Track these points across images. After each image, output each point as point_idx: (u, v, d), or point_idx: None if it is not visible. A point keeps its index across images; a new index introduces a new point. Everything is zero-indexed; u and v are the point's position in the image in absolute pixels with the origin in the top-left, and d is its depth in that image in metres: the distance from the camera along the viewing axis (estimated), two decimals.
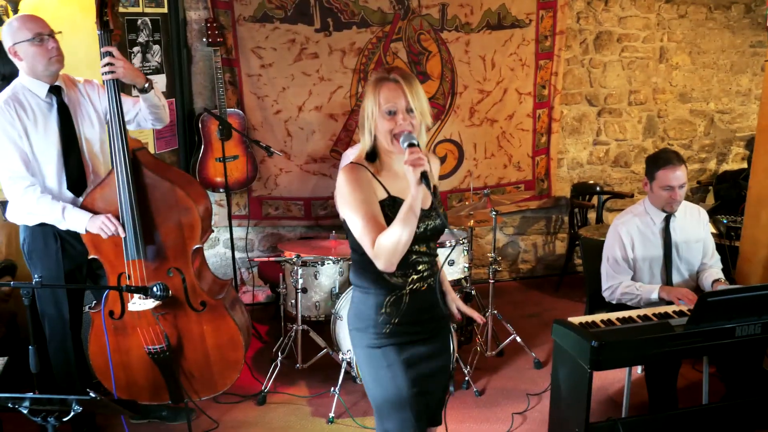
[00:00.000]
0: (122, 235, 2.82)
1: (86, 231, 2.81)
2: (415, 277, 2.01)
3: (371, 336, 2.02)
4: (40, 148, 2.79)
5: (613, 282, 3.11)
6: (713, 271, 3.14)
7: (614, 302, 3.15)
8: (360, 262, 2.01)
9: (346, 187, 1.91)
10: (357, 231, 1.90)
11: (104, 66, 2.77)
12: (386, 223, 1.89)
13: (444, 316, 2.14)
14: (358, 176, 1.92)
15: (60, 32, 2.81)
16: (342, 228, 2.11)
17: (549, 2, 4.76)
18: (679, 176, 2.97)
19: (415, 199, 1.80)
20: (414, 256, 1.99)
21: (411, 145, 1.83)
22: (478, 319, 2.26)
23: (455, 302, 2.25)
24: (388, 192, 1.95)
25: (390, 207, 1.93)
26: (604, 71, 5.12)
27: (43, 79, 2.79)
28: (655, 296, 2.98)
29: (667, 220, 3.08)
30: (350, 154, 3.84)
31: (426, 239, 2.00)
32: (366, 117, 1.93)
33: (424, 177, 1.79)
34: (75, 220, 2.80)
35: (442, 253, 3.45)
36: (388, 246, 1.83)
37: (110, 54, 2.77)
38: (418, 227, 1.89)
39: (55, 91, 2.83)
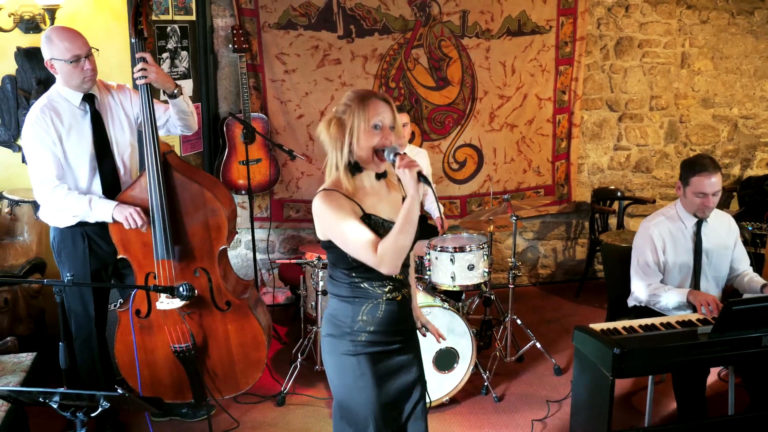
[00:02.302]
0: (144, 231, 2.88)
1: (113, 219, 2.87)
2: (391, 286, 2.05)
3: (346, 343, 2.04)
4: (73, 153, 2.88)
5: (641, 283, 3.07)
6: (753, 276, 3.07)
7: (642, 304, 3.10)
8: (339, 276, 2.05)
9: (328, 210, 1.95)
10: (352, 247, 1.94)
11: (138, 71, 2.86)
12: None
13: (416, 328, 2.21)
14: (335, 198, 1.96)
15: (97, 50, 2.90)
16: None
17: (569, 9, 4.77)
18: (713, 183, 2.92)
19: (415, 199, 1.87)
20: None
21: (396, 154, 1.90)
22: (438, 339, 2.32)
23: (419, 318, 2.31)
24: (363, 210, 1.99)
25: (367, 225, 1.96)
26: (624, 77, 5.09)
27: (79, 89, 2.89)
28: (684, 300, 2.93)
29: (698, 225, 3.04)
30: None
31: None
32: (348, 132, 1.94)
33: (421, 176, 1.85)
34: (102, 210, 2.87)
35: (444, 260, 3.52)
36: (393, 248, 1.89)
37: (144, 60, 2.86)
38: None
39: (88, 98, 2.92)
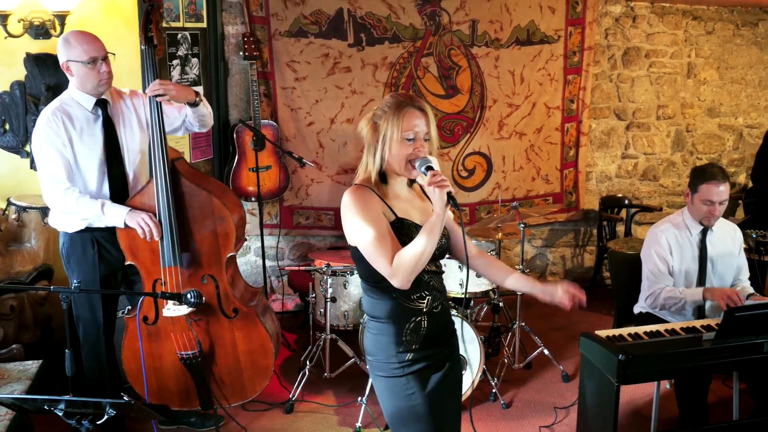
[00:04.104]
0: (156, 238, 2.77)
1: (125, 224, 2.77)
2: (430, 297, 1.94)
3: (394, 365, 1.93)
4: (83, 156, 2.78)
5: (655, 288, 3.00)
6: (746, 286, 3.07)
7: (656, 310, 3.04)
8: (373, 291, 1.93)
9: (354, 207, 1.84)
10: (370, 250, 1.82)
11: (154, 91, 2.75)
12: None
13: (455, 332, 2.09)
14: (366, 197, 1.86)
15: (114, 54, 2.81)
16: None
17: (577, 19, 4.68)
18: (720, 192, 2.90)
19: (440, 217, 1.78)
20: (426, 276, 1.92)
21: (429, 168, 1.81)
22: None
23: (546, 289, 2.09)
24: (395, 213, 1.89)
25: (399, 229, 1.87)
26: (632, 86, 5.00)
27: (92, 93, 2.79)
28: (699, 298, 2.90)
29: (704, 233, 3.01)
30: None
31: (434, 258, 1.92)
32: (381, 140, 1.86)
33: (451, 198, 1.77)
34: (114, 215, 2.77)
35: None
36: (409, 262, 1.78)
37: (157, 85, 2.75)
38: None
39: (101, 103, 2.82)
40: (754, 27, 5.10)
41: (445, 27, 4.48)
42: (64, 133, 2.72)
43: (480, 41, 4.54)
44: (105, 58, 2.74)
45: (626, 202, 4.91)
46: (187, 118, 2.96)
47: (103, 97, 2.82)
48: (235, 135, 4.23)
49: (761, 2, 4.91)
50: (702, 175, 2.95)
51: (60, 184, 2.74)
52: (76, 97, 2.78)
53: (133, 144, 2.91)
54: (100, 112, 2.81)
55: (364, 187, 1.88)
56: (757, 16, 5.08)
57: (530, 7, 4.54)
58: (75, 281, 2.36)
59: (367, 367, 2.06)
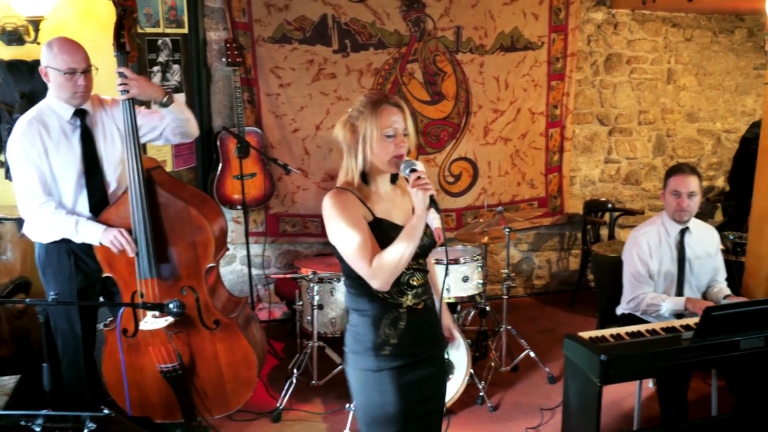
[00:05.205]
0: (131, 254, 2.64)
1: (100, 243, 2.64)
2: (411, 294, 1.90)
3: (369, 359, 1.89)
4: (60, 168, 2.64)
5: (638, 292, 2.97)
6: (723, 287, 3.07)
7: (638, 314, 3.00)
8: (354, 286, 1.91)
9: (334, 211, 1.82)
10: (350, 253, 1.81)
11: (119, 86, 2.61)
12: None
13: (442, 336, 2.06)
14: (345, 199, 1.83)
15: (97, 69, 2.66)
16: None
17: (560, 26, 4.60)
18: (686, 183, 2.91)
19: (420, 219, 1.77)
20: (407, 273, 1.90)
21: (413, 170, 1.78)
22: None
23: (448, 327, 2.17)
24: (373, 214, 1.87)
25: (377, 229, 1.84)
26: (614, 92, 4.95)
27: (69, 103, 2.65)
28: (681, 307, 2.88)
29: (682, 234, 2.99)
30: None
31: (416, 256, 1.88)
32: (361, 140, 1.83)
33: (433, 201, 1.76)
34: (88, 233, 2.63)
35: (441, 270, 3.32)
36: (389, 264, 1.77)
37: (123, 75, 2.60)
38: None
39: (80, 113, 2.68)
40: (731, 34, 5.10)
41: (430, 33, 4.38)
42: (39, 144, 2.58)
43: (465, 47, 4.44)
44: (85, 72, 2.60)
45: (609, 205, 4.85)
46: (167, 127, 2.79)
47: (83, 107, 2.67)
48: (218, 142, 4.08)
49: (737, 10, 4.90)
50: (670, 170, 3.02)
51: (35, 198, 2.60)
52: (54, 106, 2.64)
53: (114, 155, 2.76)
54: (78, 122, 2.67)
55: (344, 190, 1.85)
56: (733, 23, 5.08)
57: (514, 13, 4.46)
58: (51, 293, 2.24)
59: (344, 362, 2.01)
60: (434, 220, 3.88)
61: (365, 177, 1.87)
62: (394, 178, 1.94)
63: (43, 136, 2.59)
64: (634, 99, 4.98)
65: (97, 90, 2.88)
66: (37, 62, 2.75)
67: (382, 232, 1.83)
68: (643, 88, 4.97)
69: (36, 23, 3.12)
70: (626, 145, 5.06)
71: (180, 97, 3.86)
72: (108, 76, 3.25)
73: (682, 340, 2.52)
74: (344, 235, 1.80)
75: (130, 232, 2.64)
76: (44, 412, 1.73)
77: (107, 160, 2.74)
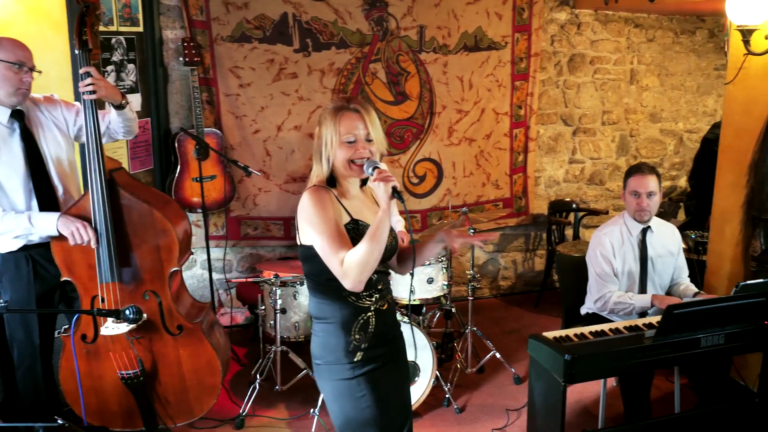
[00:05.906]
0: (93, 245, 2.66)
1: (58, 232, 2.66)
2: (378, 296, 1.99)
3: (343, 367, 1.95)
4: (5, 175, 2.65)
5: (604, 292, 3.08)
6: (689, 285, 3.17)
7: (605, 313, 3.11)
8: (321, 291, 1.96)
9: (312, 208, 1.88)
10: (324, 250, 1.86)
11: (86, 86, 2.64)
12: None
13: (401, 334, 2.16)
14: (323, 197, 1.90)
15: (41, 72, 2.71)
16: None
17: (524, 25, 4.75)
18: (645, 183, 3.02)
19: (386, 213, 1.81)
20: (375, 275, 1.97)
21: (375, 168, 1.86)
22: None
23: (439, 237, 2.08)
24: (350, 215, 1.94)
25: (354, 230, 1.91)
26: (578, 92, 5.12)
27: (5, 103, 2.66)
28: (647, 304, 2.98)
29: (644, 233, 3.10)
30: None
31: (381, 259, 1.95)
32: (324, 145, 1.92)
33: (395, 191, 1.80)
34: (44, 223, 2.66)
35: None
36: (358, 262, 1.80)
37: (90, 74, 2.64)
38: None
39: (17, 115, 2.69)
40: (692, 35, 5.30)
41: (393, 32, 4.49)
42: None
43: (428, 47, 4.57)
44: (32, 69, 2.65)
45: (574, 206, 5.02)
46: (111, 125, 2.84)
47: (18, 107, 2.68)
48: (176, 144, 4.12)
49: (698, 11, 5.10)
50: (630, 170, 3.13)
51: None
52: None
53: (59, 153, 2.79)
54: (16, 125, 2.67)
55: (322, 188, 1.93)
56: (694, 24, 5.28)
57: (477, 13, 4.59)
58: (2, 300, 2.27)
59: (314, 374, 2.07)
60: (398, 224, 4.04)
61: (332, 181, 1.95)
62: (364, 183, 2.03)
63: None
64: (598, 99, 5.16)
65: (47, 89, 2.91)
66: None
67: (359, 233, 1.89)
68: (606, 88, 5.15)
69: None
70: (590, 145, 5.24)
71: (134, 99, 3.91)
72: (58, 75, 3.28)
73: (645, 338, 2.59)
74: (321, 232, 1.85)
75: (89, 222, 2.66)
76: None
77: (52, 161, 2.76)
